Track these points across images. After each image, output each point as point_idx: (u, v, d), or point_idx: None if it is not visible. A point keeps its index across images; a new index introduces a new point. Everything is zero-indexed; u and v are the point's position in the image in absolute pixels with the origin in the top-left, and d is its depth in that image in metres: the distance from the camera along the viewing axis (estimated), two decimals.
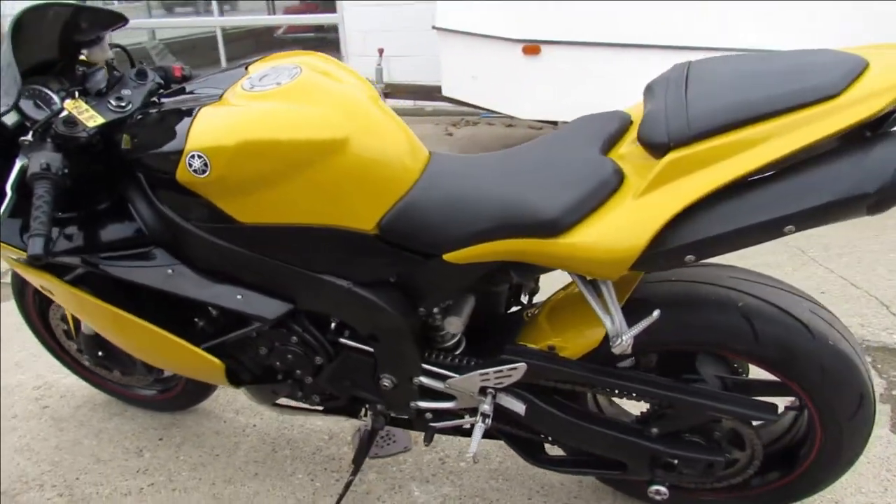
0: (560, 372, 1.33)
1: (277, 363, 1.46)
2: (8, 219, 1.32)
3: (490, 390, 1.39)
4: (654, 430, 1.36)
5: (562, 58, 3.66)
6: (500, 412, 1.42)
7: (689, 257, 1.08)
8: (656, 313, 1.19)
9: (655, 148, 1.08)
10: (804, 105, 1.00)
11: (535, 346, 1.35)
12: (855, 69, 1.01)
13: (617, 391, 1.34)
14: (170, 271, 1.37)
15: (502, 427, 1.49)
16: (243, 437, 1.93)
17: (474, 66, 4.18)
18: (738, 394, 1.32)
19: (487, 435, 1.54)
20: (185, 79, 1.50)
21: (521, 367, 1.33)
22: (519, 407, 1.40)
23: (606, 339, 1.24)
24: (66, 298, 1.47)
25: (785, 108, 1.01)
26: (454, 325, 1.36)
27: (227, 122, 1.22)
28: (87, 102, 1.33)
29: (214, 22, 6.44)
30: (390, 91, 4.70)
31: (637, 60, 3.41)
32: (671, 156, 1.05)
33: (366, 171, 1.24)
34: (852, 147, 1.00)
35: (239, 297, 1.37)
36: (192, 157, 1.21)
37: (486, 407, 1.38)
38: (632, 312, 1.24)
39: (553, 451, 1.55)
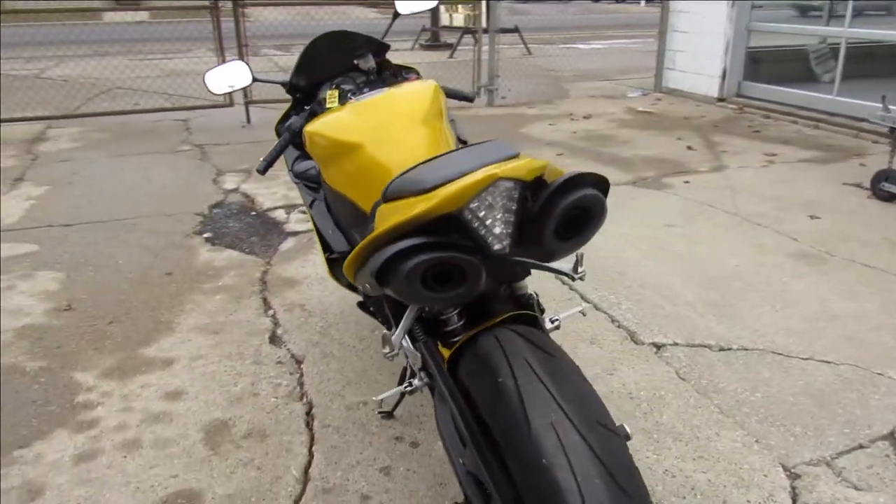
0: (428, 364, 1.56)
1: None
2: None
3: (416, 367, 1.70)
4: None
5: None
6: None
7: (365, 284, 1.29)
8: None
9: None
10: (413, 193, 1.12)
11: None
12: (458, 172, 1.05)
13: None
14: (317, 202, 2.16)
15: None
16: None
17: None
18: None
19: None
20: None
21: (417, 355, 1.62)
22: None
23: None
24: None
25: (409, 193, 1.14)
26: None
27: (322, 117, 1.91)
28: (340, 93, 2.18)
29: (836, 33, 6.15)
30: None
31: None
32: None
33: (371, 167, 1.75)
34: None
35: (330, 231, 2.06)
36: (304, 135, 1.95)
37: (416, 381, 1.72)
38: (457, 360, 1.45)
39: None
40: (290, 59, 10.76)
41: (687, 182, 4.57)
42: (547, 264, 1.52)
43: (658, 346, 2.62)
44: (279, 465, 2.00)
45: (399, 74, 2.26)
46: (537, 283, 2.92)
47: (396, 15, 2.33)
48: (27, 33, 9.61)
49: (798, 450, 2.07)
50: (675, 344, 2.63)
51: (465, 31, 11.27)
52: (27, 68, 9.51)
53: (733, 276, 3.19)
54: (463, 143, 2.14)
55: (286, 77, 2.23)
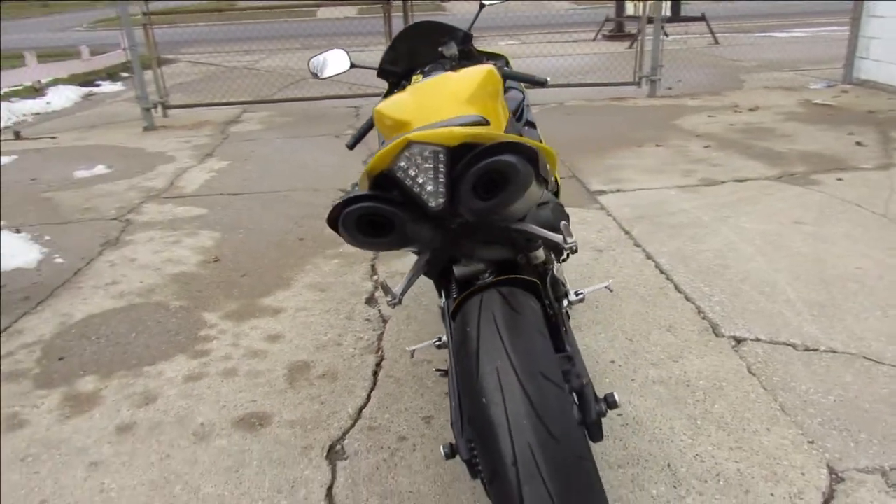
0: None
1: None
2: None
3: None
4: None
5: None
6: None
7: None
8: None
9: None
10: None
11: None
12: None
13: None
14: None
15: None
16: None
17: None
18: None
19: None
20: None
21: (443, 303, 1.82)
22: None
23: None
24: None
25: None
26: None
27: (387, 98, 2.14)
28: (423, 77, 2.43)
29: None
30: None
31: None
32: None
33: None
34: None
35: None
36: (373, 114, 2.20)
37: (444, 336, 1.94)
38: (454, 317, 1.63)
39: None
40: None
41: (840, 179, 4.23)
42: (539, 232, 1.64)
43: (738, 340, 2.56)
44: (339, 403, 2.29)
45: (480, 61, 2.43)
46: (617, 268, 3.01)
47: (482, 6, 2.49)
48: (254, 29, 10.84)
49: (855, 455, 1.96)
50: (757, 339, 2.55)
51: (648, 20, 10.95)
52: (242, 60, 10.81)
53: (851, 278, 2.97)
54: (532, 125, 2.27)
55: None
